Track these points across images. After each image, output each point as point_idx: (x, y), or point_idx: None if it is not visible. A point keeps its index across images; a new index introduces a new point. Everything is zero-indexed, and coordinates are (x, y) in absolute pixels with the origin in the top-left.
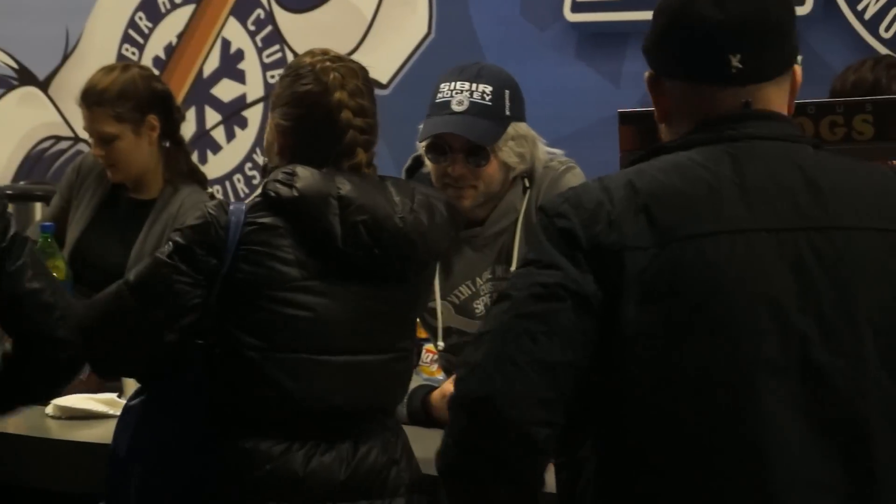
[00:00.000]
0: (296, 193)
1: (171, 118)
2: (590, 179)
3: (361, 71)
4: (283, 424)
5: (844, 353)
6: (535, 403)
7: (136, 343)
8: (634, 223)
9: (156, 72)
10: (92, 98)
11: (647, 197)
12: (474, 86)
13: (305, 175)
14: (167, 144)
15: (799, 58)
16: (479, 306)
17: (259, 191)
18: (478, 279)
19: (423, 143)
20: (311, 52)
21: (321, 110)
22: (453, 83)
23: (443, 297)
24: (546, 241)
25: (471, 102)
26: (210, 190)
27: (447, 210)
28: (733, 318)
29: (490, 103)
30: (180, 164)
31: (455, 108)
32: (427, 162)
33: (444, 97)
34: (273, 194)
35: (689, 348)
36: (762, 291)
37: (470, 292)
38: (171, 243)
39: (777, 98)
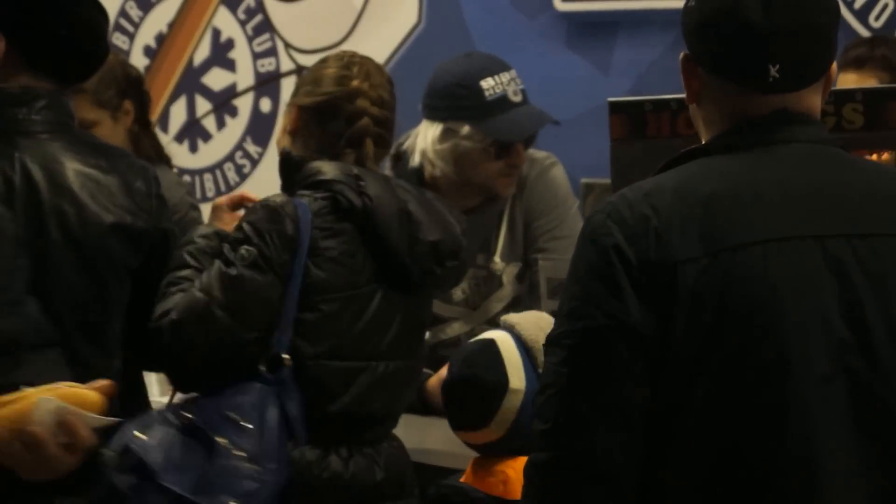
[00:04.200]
0: (368, 202)
1: (144, 103)
2: (627, 188)
3: (386, 74)
4: (316, 430)
5: (884, 360)
6: (612, 451)
7: (225, 354)
8: (683, 234)
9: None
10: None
11: (695, 206)
12: (510, 75)
13: (371, 181)
14: (136, 129)
15: None
16: (458, 292)
17: (320, 192)
18: None
19: (467, 146)
20: (341, 52)
21: (341, 94)
22: (495, 77)
23: None
24: (584, 267)
25: (519, 90)
26: (175, 169)
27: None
28: (782, 329)
29: (524, 90)
30: (147, 148)
31: (514, 98)
32: (442, 166)
33: (495, 92)
34: (344, 200)
35: (740, 361)
36: (809, 301)
37: None
38: (241, 237)
39: (812, 101)
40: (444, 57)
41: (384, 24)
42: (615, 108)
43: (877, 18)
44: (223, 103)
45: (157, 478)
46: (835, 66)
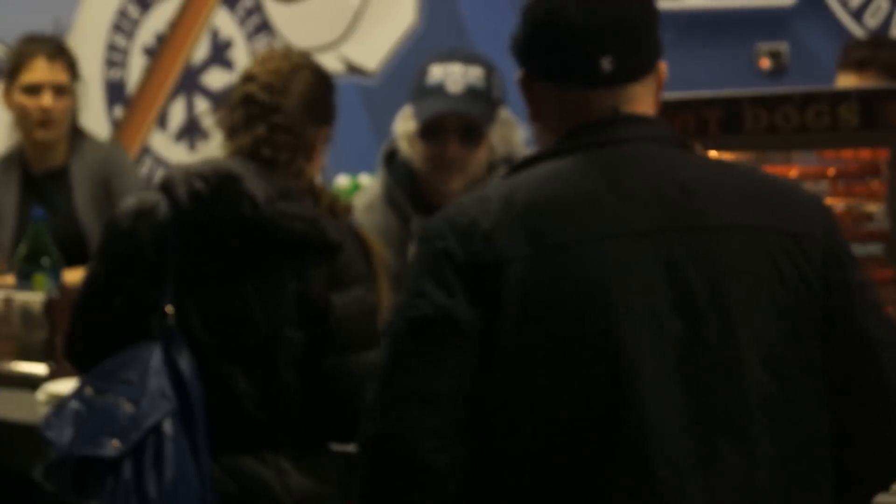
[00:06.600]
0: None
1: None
2: (465, 195)
3: (304, 72)
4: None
5: (720, 352)
6: (424, 434)
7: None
8: (510, 236)
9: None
10: (54, 48)
11: (523, 208)
12: (466, 69)
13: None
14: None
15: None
16: None
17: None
18: None
19: (407, 128)
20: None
21: (237, 83)
22: (445, 66)
23: None
24: (418, 266)
25: (465, 85)
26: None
27: None
28: (613, 324)
29: (483, 86)
30: (76, 130)
31: (451, 89)
32: (406, 148)
33: (436, 80)
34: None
35: (571, 358)
36: (639, 296)
37: None
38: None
39: (644, 98)
40: None
41: (382, 24)
42: None
43: (872, 17)
44: (222, 103)
45: (42, 431)
46: (664, 66)
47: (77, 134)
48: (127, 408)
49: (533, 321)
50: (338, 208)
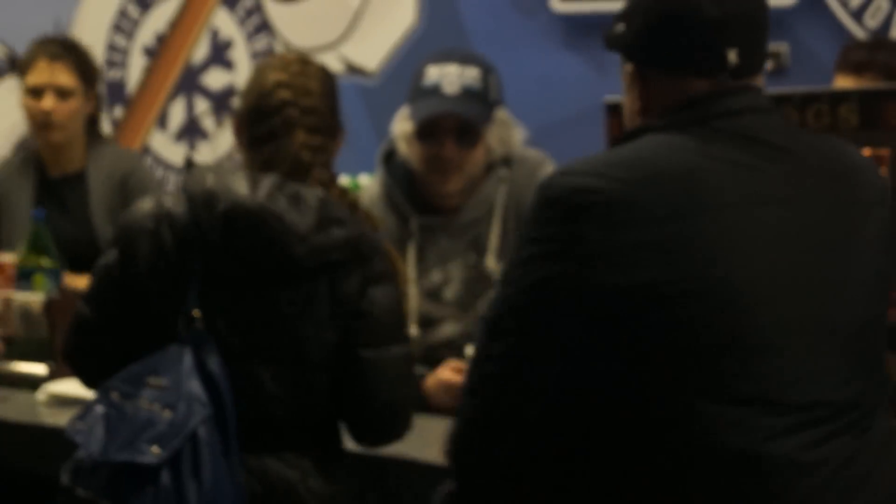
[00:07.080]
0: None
1: (99, 107)
2: (581, 161)
3: (320, 73)
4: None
5: (833, 319)
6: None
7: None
8: (631, 205)
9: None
10: (58, 50)
11: (644, 177)
12: (463, 69)
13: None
14: (89, 122)
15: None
16: (449, 293)
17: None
18: (450, 266)
19: (404, 129)
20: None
21: (258, 87)
22: (442, 67)
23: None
24: (546, 224)
25: (462, 85)
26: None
27: None
28: (735, 292)
29: (479, 87)
30: (95, 135)
31: (446, 90)
32: (404, 148)
33: (432, 80)
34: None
35: (697, 321)
36: (758, 262)
37: (441, 278)
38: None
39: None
40: None
41: (381, 24)
42: (611, 107)
43: (872, 17)
44: (222, 103)
45: (70, 436)
46: None
47: (95, 138)
48: (165, 414)
49: (656, 288)
50: (372, 217)
